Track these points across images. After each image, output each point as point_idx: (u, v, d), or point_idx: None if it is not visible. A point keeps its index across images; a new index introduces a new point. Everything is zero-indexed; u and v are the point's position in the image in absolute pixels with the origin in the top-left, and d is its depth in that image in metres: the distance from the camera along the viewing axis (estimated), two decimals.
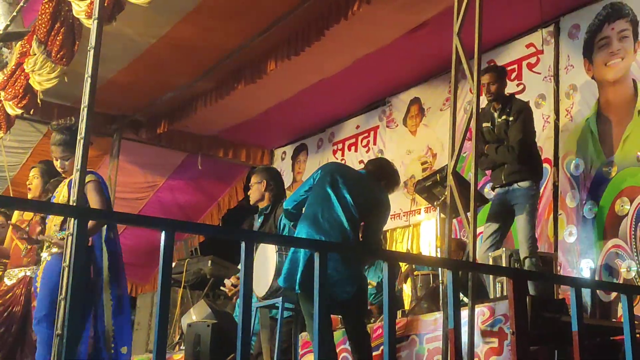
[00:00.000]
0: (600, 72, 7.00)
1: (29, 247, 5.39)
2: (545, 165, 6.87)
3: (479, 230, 5.24)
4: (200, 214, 11.59)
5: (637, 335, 3.71)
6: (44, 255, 5.02)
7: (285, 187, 6.54)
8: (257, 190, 5.97)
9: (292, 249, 4.89)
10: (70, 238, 4.19)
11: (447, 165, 5.16)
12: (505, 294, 5.13)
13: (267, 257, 5.30)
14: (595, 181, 6.80)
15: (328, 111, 9.92)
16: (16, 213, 5.84)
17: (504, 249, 5.94)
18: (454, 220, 5.92)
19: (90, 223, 3.69)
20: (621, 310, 4.18)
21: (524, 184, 6.03)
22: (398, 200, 8.26)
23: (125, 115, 9.93)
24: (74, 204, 4.32)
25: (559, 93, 7.32)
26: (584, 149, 6.97)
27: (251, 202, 6.11)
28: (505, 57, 7.75)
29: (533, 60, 7.62)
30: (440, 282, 5.40)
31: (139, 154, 10.60)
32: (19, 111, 7.08)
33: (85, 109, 4.50)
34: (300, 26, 7.48)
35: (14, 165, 9.95)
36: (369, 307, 6.00)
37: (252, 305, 3.49)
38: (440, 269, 5.48)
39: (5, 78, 7.10)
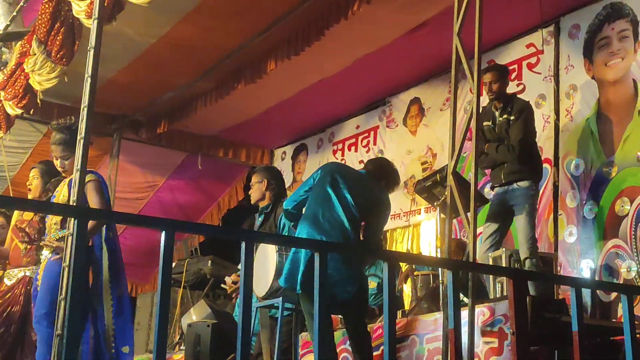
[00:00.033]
0: (600, 72, 7.00)
1: (28, 247, 5.39)
2: (545, 165, 6.87)
3: (478, 230, 5.24)
4: (200, 214, 11.58)
5: (637, 335, 3.70)
6: (45, 253, 5.02)
7: (285, 187, 6.54)
8: (258, 189, 5.98)
9: (293, 249, 4.89)
10: (70, 238, 4.20)
11: (447, 165, 5.16)
12: (505, 294, 5.13)
13: (267, 256, 5.30)
14: (595, 181, 6.80)
15: (328, 111, 9.92)
16: (16, 213, 5.84)
17: (503, 249, 5.93)
18: (454, 220, 5.91)
19: (90, 223, 3.69)
20: (621, 310, 4.18)
21: (524, 183, 6.02)
22: (398, 200, 8.25)
23: (125, 115, 9.93)
24: (74, 204, 4.32)
25: (559, 93, 7.31)
26: (584, 149, 6.97)
27: (252, 202, 6.12)
28: (505, 57, 7.74)
29: (533, 60, 7.62)
30: (440, 282, 5.40)
31: (139, 154, 10.60)
32: (19, 111, 7.08)
33: (85, 109, 4.50)
34: (300, 26, 7.48)
35: (14, 165, 9.95)
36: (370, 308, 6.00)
37: (252, 305, 3.48)
38: (440, 269, 5.48)
39: (5, 78, 7.10)
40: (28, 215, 5.65)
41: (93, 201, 4.83)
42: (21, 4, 6.75)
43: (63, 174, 5.24)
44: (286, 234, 5.53)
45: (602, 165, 6.78)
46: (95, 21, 4.72)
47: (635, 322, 3.68)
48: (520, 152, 6.02)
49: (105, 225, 4.97)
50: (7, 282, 5.61)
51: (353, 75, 8.55)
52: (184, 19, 7.39)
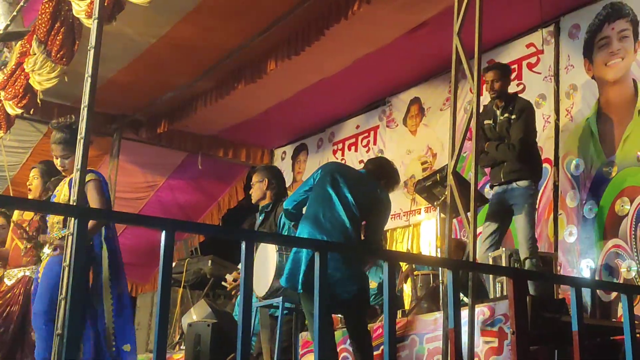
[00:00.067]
0: (600, 72, 7.00)
1: (28, 245, 5.39)
2: (545, 165, 6.87)
3: (478, 230, 5.24)
4: (201, 214, 11.59)
5: (637, 335, 3.70)
6: (47, 251, 5.02)
7: (286, 186, 6.55)
8: (259, 188, 6.00)
9: (294, 249, 4.89)
10: (70, 238, 4.20)
11: (447, 165, 5.16)
12: (505, 293, 5.13)
13: (267, 256, 5.30)
14: (595, 181, 6.80)
15: (328, 111, 9.92)
16: (16, 213, 5.84)
17: (503, 249, 5.93)
18: (454, 220, 5.91)
19: (90, 223, 3.68)
20: (621, 310, 4.19)
21: (523, 183, 6.01)
22: (398, 200, 8.26)
23: (125, 114, 9.94)
24: (74, 204, 4.32)
25: (559, 93, 7.32)
26: (584, 149, 6.97)
27: (253, 201, 6.13)
28: (505, 57, 7.74)
29: (533, 60, 7.62)
30: (440, 282, 5.40)
31: (139, 154, 10.60)
32: (19, 111, 7.08)
33: (86, 109, 4.50)
34: (300, 26, 7.48)
35: (14, 165, 9.95)
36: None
37: (252, 305, 3.48)
38: (440, 268, 5.48)
39: (5, 78, 7.10)
40: (28, 214, 5.65)
41: (93, 201, 4.83)
42: (21, 3, 6.75)
43: (63, 173, 5.23)
44: (286, 232, 5.54)
45: (602, 165, 6.78)
46: (95, 21, 4.72)
47: (635, 322, 3.69)
48: (521, 151, 6.01)
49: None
50: (7, 282, 5.61)
51: (353, 75, 8.55)
52: (184, 19, 7.39)
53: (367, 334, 4.96)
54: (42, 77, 6.45)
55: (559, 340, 4.64)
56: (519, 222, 5.98)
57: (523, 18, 7.48)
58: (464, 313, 4.34)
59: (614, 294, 6.20)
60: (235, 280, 6.35)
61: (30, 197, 5.87)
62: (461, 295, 4.74)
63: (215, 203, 11.62)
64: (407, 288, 6.92)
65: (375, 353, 4.95)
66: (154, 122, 9.98)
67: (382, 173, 5.29)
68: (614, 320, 5.96)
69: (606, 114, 6.90)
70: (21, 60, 6.81)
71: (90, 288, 4.91)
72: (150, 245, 10.14)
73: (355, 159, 9.42)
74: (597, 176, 6.79)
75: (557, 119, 7.26)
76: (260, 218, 5.99)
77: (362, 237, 5.02)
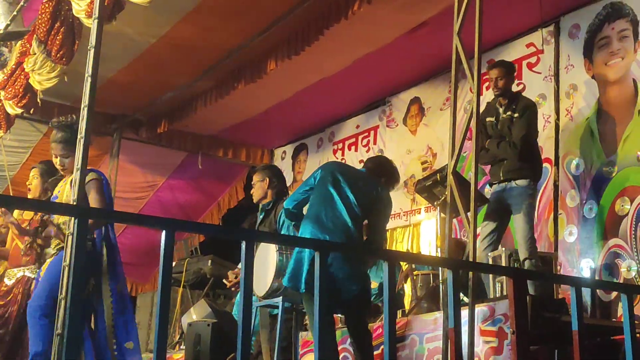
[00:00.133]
0: (600, 72, 7.00)
1: (28, 245, 5.38)
2: (545, 164, 6.87)
3: (477, 230, 5.24)
4: (201, 214, 11.59)
5: (637, 335, 3.70)
6: (50, 251, 5.02)
7: (287, 185, 6.57)
8: (260, 188, 6.03)
9: (296, 248, 4.90)
10: (70, 238, 4.20)
11: (447, 165, 5.16)
12: (505, 293, 5.12)
13: (267, 255, 5.30)
14: (595, 181, 6.80)
15: (328, 111, 9.92)
16: (16, 212, 5.84)
17: (503, 249, 5.92)
18: (454, 220, 5.91)
19: (90, 221, 3.68)
20: (621, 310, 4.19)
21: (522, 182, 5.98)
22: (398, 199, 8.26)
23: (125, 114, 9.94)
24: (75, 203, 4.32)
25: (559, 93, 7.32)
26: (585, 149, 6.97)
27: (254, 201, 6.16)
28: (505, 56, 7.71)
29: (533, 59, 7.62)
30: (440, 281, 5.40)
31: (139, 154, 10.60)
32: (19, 110, 7.08)
33: (86, 109, 4.50)
34: (300, 26, 7.48)
35: (14, 164, 9.95)
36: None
37: (252, 305, 3.48)
38: (440, 268, 5.47)
39: (5, 77, 7.10)
40: (28, 214, 5.65)
41: (92, 199, 4.83)
42: (21, 3, 6.74)
43: (62, 173, 5.23)
44: (285, 230, 5.55)
45: (602, 165, 6.78)
46: (96, 21, 4.72)
47: (635, 322, 3.69)
48: (522, 150, 5.99)
49: None
50: (7, 282, 5.62)
51: (353, 75, 8.55)
52: (184, 19, 7.39)
53: (368, 334, 4.96)
54: (42, 76, 6.45)
55: (559, 340, 4.64)
56: (517, 222, 5.96)
57: (523, 18, 7.48)
58: (464, 313, 4.34)
59: (614, 294, 6.20)
60: (236, 277, 6.35)
61: (29, 196, 5.86)
62: (461, 295, 4.74)
63: (215, 203, 11.62)
64: (407, 288, 6.92)
65: (375, 353, 4.95)
66: (154, 122, 9.98)
67: (382, 171, 5.30)
68: (614, 320, 5.96)
69: (606, 113, 6.90)
70: (21, 60, 6.81)
71: (90, 286, 4.91)
72: (150, 245, 10.14)
73: (355, 159, 9.42)
74: (597, 176, 6.79)
75: (557, 119, 7.26)
76: (261, 217, 6.02)
77: (365, 237, 5.03)
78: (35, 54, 6.47)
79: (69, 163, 5.01)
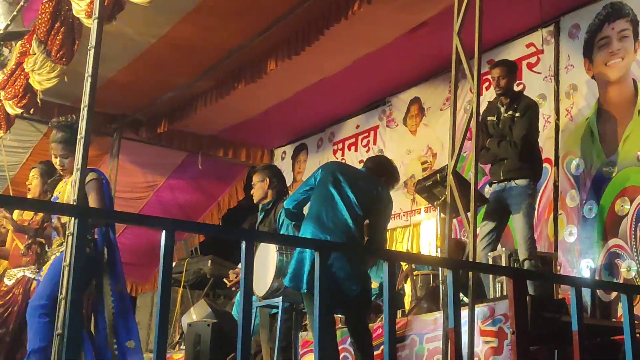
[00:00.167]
0: (600, 72, 7.00)
1: (28, 244, 5.38)
2: (545, 165, 6.86)
3: (477, 230, 5.23)
4: (201, 214, 11.59)
5: (637, 335, 3.70)
6: (52, 251, 5.02)
7: (287, 185, 6.58)
8: (260, 188, 6.04)
9: (298, 248, 4.90)
10: (70, 238, 4.19)
11: (447, 165, 5.16)
12: (505, 293, 5.12)
13: (267, 255, 5.30)
14: (595, 181, 6.80)
15: (328, 111, 9.92)
16: (16, 212, 5.84)
17: (503, 249, 5.92)
18: (454, 220, 5.91)
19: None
20: (621, 310, 4.19)
21: (522, 182, 5.97)
22: (398, 199, 8.25)
23: (125, 114, 9.94)
24: (74, 203, 4.32)
25: (559, 93, 7.32)
26: (585, 149, 6.97)
27: (255, 201, 6.17)
28: (505, 56, 7.69)
29: (533, 60, 7.62)
30: (440, 281, 5.40)
31: (139, 154, 10.60)
32: (19, 111, 7.08)
33: (86, 109, 4.50)
34: (300, 26, 7.48)
35: (14, 164, 9.95)
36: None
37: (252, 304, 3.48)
38: (440, 268, 5.47)
39: (5, 77, 7.10)
40: (28, 215, 5.65)
41: (91, 199, 4.83)
42: (21, 3, 6.74)
43: (61, 173, 5.22)
44: (285, 230, 5.56)
45: (602, 165, 6.78)
46: (96, 21, 4.71)
47: (635, 322, 3.69)
48: (522, 149, 5.97)
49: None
50: (7, 282, 5.62)
51: (353, 75, 8.56)
52: (184, 19, 7.39)
53: (368, 334, 4.96)
54: (42, 76, 6.45)
55: (559, 340, 4.64)
56: (517, 223, 5.95)
57: (523, 18, 7.48)
58: (464, 313, 4.34)
59: (614, 294, 6.20)
60: (237, 276, 6.36)
61: (29, 196, 5.86)
62: (461, 295, 4.74)
63: (215, 203, 11.62)
64: (407, 288, 6.92)
65: (375, 353, 4.95)
66: (154, 122, 9.98)
67: (382, 171, 5.30)
68: (614, 320, 5.96)
69: (606, 113, 6.90)
70: (21, 60, 6.82)
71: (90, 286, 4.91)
72: (150, 245, 10.14)
73: (355, 159, 9.42)
74: (597, 176, 6.79)
75: (557, 119, 7.26)
76: (261, 217, 6.03)
77: (366, 237, 5.03)
78: (35, 54, 6.47)
79: (68, 163, 5.00)
